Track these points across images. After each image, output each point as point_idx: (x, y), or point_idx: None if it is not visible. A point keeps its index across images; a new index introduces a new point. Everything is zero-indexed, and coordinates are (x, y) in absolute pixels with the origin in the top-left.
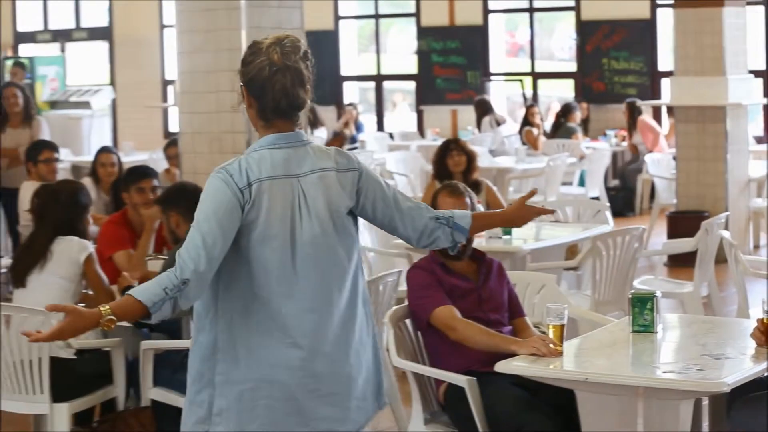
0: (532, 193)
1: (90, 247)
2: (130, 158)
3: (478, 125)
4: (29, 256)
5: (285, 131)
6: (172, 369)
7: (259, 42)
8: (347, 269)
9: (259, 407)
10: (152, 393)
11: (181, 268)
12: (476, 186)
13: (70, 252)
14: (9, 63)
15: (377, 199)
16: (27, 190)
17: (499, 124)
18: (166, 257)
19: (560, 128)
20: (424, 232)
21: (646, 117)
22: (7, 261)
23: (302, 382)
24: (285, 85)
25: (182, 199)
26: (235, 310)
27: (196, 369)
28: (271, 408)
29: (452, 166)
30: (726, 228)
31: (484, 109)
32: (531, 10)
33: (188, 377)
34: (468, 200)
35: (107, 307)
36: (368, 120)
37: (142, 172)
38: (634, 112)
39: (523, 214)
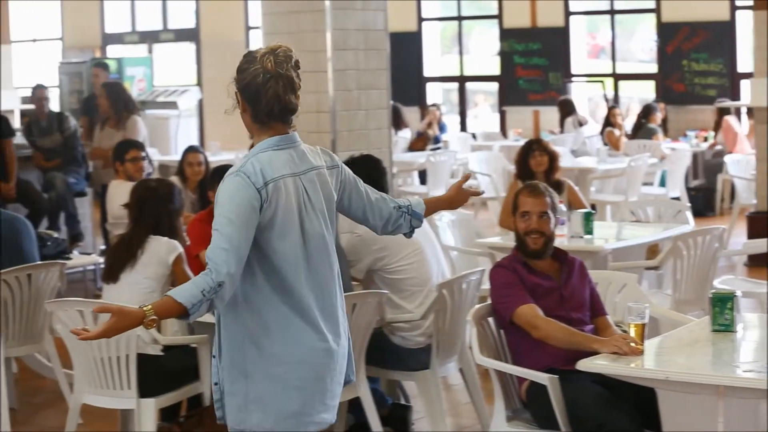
0: (467, 177)
1: (179, 247)
2: (216, 158)
3: (562, 125)
4: (125, 253)
5: (281, 134)
6: None
7: (254, 52)
8: (333, 257)
9: (292, 389)
10: None
11: (215, 270)
12: (558, 186)
13: (159, 252)
14: None
15: (353, 192)
16: (115, 189)
17: (581, 124)
18: None
19: (641, 129)
20: (389, 221)
21: (729, 118)
22: (94, 258)
23: (324, 362)
24: (278, 91)
25: None
26: (261, 301)
27: (229, 359)
28: (303, 389)
29: (534, 166)
30: None
31: (567, 110)
32: (612, 12)
33: (220, 368)
34: (548, 200)
35: (149, 306)
36: (451, 120)
37: (227, 172)
38: (722, 114)
39: (460, 197)
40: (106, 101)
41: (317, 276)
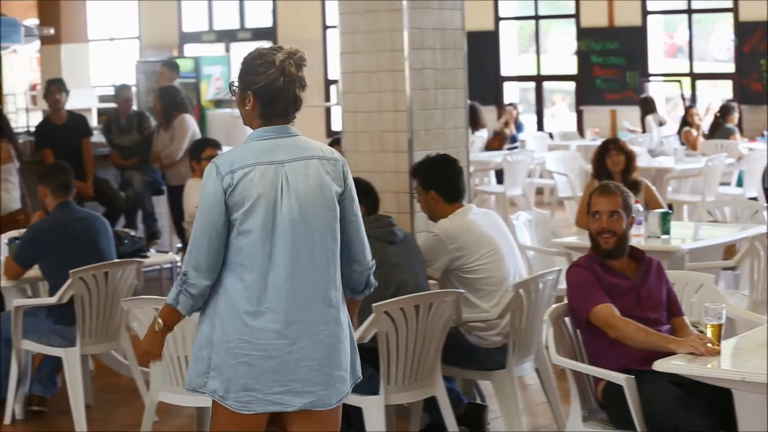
0: None
1: None
2: None
3: (642, 124)
4: None
5: (276, 125)
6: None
7: (266, 54)
8: (328, 246)
9: (242, 364)
10: None
11: (185, 262)
12: (635, 186)
13: None
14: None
15: (347, 199)
16: (191, 187)
17: (661, 124)
18: None
19: (718, 129)
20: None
21: None
22: (171, 256)
23: (276, 344)
24: (296, 93)
25: (362, 196)
26: (228, 277)
27: (202, 328)
28: (251, 365)
29: (611, 165)
30: None
31: (648, 108)
32: (689, 12)
33: (197, 336)
34: (620, 199)
35: (158, 317)
36: (528, 120)
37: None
38: None
39: None
40: (159, 103)
41: (284, 259)
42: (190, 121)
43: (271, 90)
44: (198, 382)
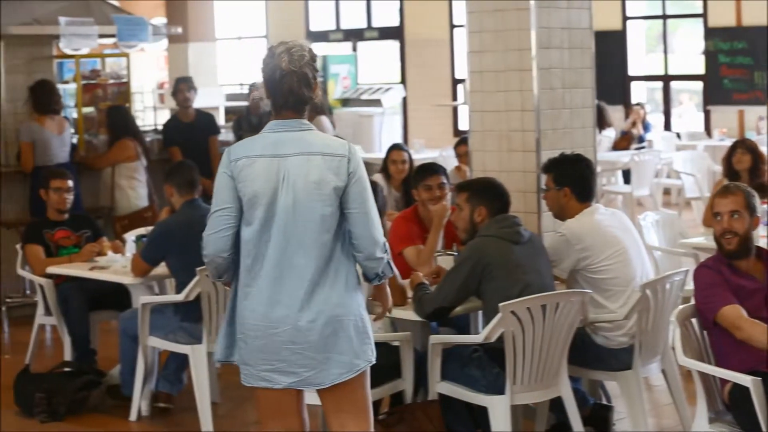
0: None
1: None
2: (420, 155)
3: None
4: None
5: (289, 119)
6: (460, 363)
7: (272, 48)
8: (321, 239)
9: (240, 340)
10: (440, 387)
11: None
12: (762, 188)
13: None
14: None
15: (351, 193)
16: None
17: None
18: (455, 253)
19: None
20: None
21: None
22: None
23: (260, 325)
24: (292, 86)
25: (495, 196)
26: (241, 262)
27: (227, 307)
28: (245, 342)
29: (736, 164)
30: None
31: None
32: None
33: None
34: (743, 199)
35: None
36: (656, 120)
37: (430, 170)
38: None
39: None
40: None
41: (276, 247)
42: (327, 123)
43: (270, 82)
44: (223, 353)
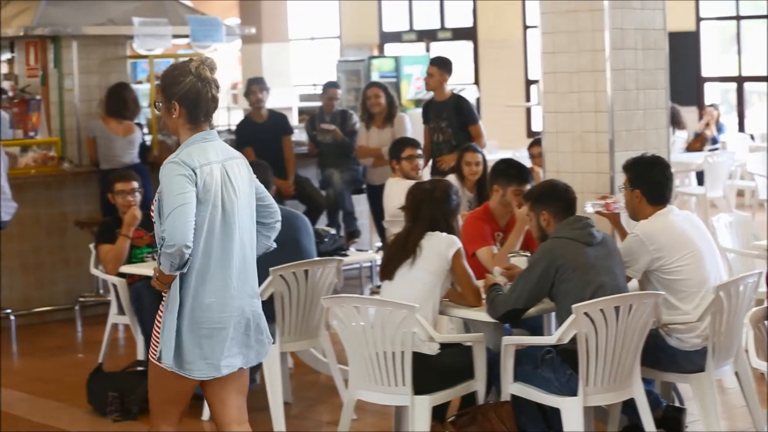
0: None
1: (458, 242)
2: (493, 156)
3: None
4: (402, 252)
5: (205, 130)
6: (533, 365)
7: (181, 65)
8: (249, 232)
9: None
10: (512, 388)
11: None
12: None
13: (439, 247)
14: (376, 62)
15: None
16: (392, 187)
17: None
18: (528, 254)
19: None
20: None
21: None
22: (371, 255)
23: (229, 316)
24: (214, 94)
25: (555, 198)
26: (199, 262)
27: None
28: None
29: None
30: None
31: None
32: None
33: None
34: None
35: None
36: (729, 121)
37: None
38: None
39: None
40: (385, 100)
41: (222, 243)
42: (408, 121)
43: (193, 94)
44: None
